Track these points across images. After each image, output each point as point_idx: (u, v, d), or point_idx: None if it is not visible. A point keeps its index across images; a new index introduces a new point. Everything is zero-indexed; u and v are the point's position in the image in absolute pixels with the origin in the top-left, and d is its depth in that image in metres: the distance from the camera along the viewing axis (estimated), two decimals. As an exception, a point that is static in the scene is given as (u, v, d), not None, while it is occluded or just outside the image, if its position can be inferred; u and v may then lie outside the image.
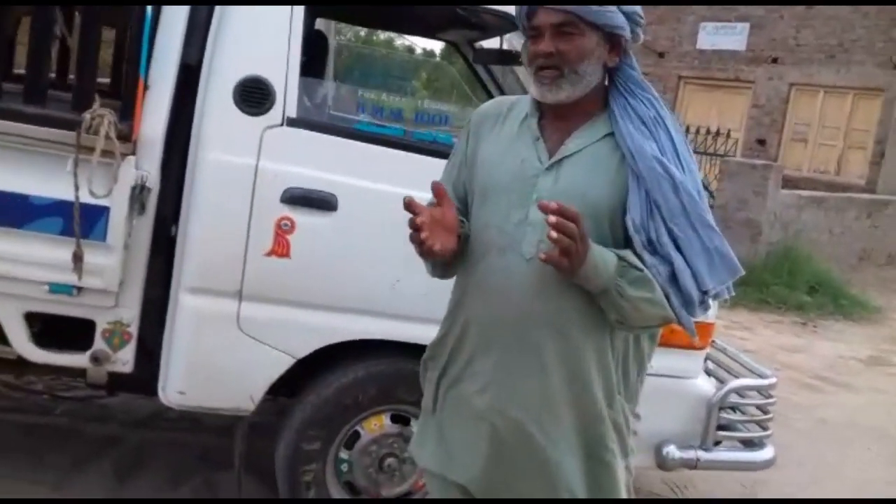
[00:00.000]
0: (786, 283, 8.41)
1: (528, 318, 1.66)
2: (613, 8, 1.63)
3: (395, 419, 2.74)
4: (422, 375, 1.95)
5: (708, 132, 11.34)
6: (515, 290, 1.66)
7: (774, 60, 14.98)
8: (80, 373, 2.82)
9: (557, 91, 1.66)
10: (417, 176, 2.53)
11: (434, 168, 2.56)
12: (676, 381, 2.84)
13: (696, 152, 11.31)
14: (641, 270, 1.60)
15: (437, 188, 1.65)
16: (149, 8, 2.30)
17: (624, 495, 1.77)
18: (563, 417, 1.70)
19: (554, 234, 1.46)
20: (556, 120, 1.73)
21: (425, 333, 2.54)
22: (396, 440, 2.73)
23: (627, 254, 1.61)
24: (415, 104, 2.84)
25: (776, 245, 9.03)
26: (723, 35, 15.76)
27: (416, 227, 1.57)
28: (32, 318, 2.52)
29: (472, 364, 1.75)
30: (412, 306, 2.58)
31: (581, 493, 1.71)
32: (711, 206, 1.87)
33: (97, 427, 3.46)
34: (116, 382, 2.78)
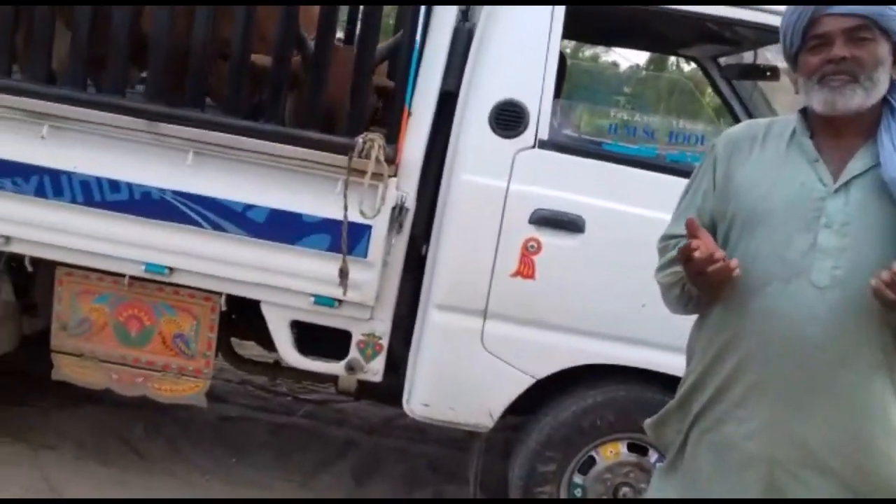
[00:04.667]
0: None
1: (820, 351, 1.55)
2: None
3: (632, 448, 2.68)
4: (655, 431, 1.86)
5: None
6: (807, 322, 1.55)
7: None
8: (329, 379, 3.03)
9: (851, 97, 1.55)
10: (669, 198, 2.49)
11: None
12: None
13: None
14: None
15: (691, 224, 1.58)
16: (417, 39, 2.44)
17: None
18: (853, 462, 1.58)
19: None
20: (831, 139, 1.61)
21: (668, 361, 2.53)
22: (633, 470, 2.67)
23: None
24: (668, 124, 2.78)
25: None
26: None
27: (710, 262, 1.52)
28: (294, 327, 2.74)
29: (743, 405, 1.64)
30: (656, 333, 2.52)
31: None
32: None
33: (336, 430, 3.69)
34: (364, 390, 2.95)
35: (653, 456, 2.65)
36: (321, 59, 2.53)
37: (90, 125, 2.58)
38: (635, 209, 2.51)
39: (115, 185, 2.59)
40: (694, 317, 1.78)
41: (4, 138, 2.62)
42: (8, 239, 2.70)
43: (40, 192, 2.62)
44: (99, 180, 2.59)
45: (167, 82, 2.60)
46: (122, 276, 2.71)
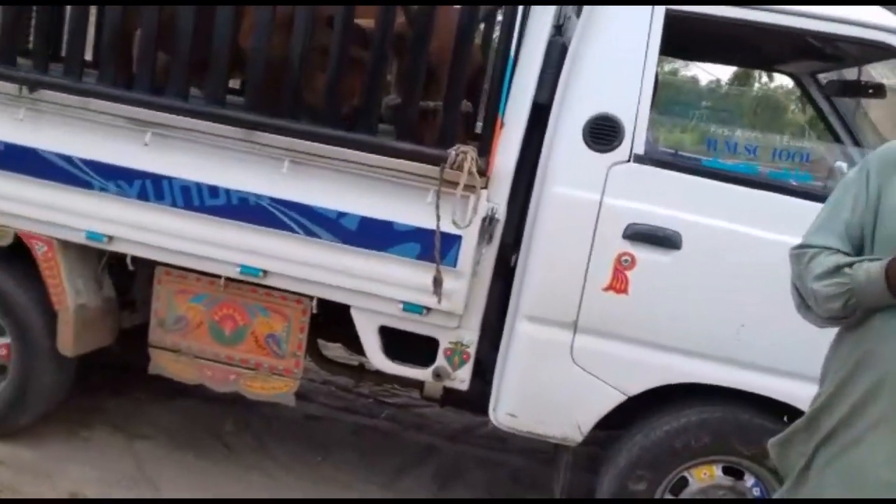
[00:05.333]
0: None
1: None
2: None
3: (727, 471, 2.60)
4: (779, 451, 1.80)
5: None
6: None
7: None
8: (412, 384, 3.05)
9: None
10: (770, 215, 2.41)
11: (790, 208, 2.41)
12: None
13: None
14: None
15: None
16: (512, 51, 2.41)
17: None
18: None
19: None
20: None
21: (767, 383, 2.47)
22: (727, 493, 2.58)
23: None
24: (772, 141, 2.68)
25: None
26: None
27: None
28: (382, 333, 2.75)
29: (877, 429, 1.57)
30: (755, 354, 2.45)
31: None
32: None
33: (416, 434, 3.70)
34: (449, 397, 2.95)
35: (748, 480, 2.56)
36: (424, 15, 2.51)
37: (191, 133, 2.66)
38: (735, 226, 2.43)
39: (213, 190, 2.66)
40: (827, 338, 1.73)
41: (110, 144, 2.72)
42: (111, 238, 2.80)
43: (142, 196, 2.71)
44: (199, 186, 2.67)
45: (265, 93, 2.64)
46: (219, 277, 2.79)
